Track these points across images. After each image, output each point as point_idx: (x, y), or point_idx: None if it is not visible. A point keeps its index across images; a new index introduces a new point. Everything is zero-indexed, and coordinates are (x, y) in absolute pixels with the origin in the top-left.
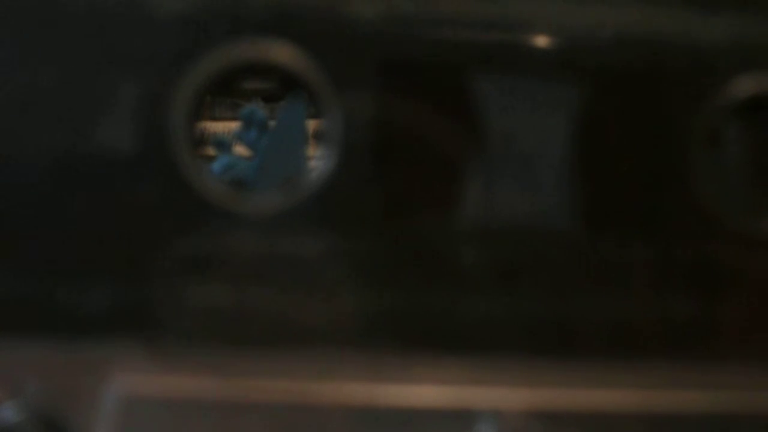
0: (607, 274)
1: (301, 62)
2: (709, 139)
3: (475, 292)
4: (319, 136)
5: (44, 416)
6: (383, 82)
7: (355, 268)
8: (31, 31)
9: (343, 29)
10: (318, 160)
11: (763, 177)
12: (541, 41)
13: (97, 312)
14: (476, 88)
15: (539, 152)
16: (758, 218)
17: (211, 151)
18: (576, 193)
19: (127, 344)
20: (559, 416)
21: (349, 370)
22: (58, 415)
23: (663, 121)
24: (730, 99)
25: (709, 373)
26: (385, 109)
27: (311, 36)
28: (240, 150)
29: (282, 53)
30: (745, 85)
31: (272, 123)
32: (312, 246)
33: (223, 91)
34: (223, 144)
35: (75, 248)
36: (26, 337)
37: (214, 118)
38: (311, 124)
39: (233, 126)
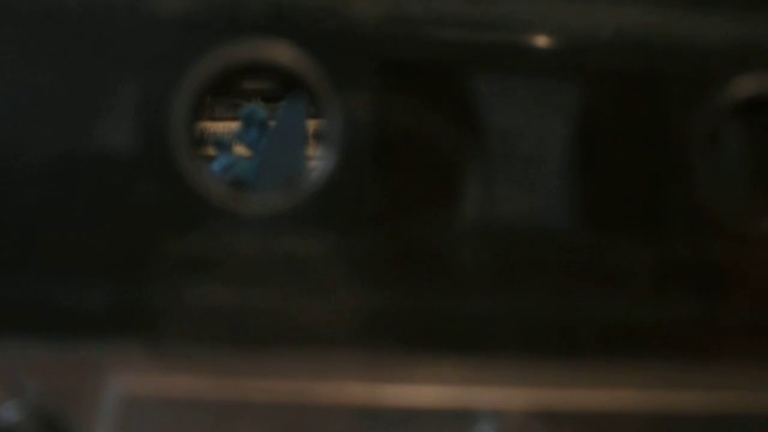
0: (607, 274)
1: (301, 62)
2: (709, 140)
3: (475, 292)
4: (319, 136)
5: (44, 416)
6: (383, 82)
7: (355, 268)
8: (31, 31)
9: (343, 29)
10: (318, 160)
11: (763, 177)
12: (541, 41)
13: (97, 312)
14: (476, 88)
15: (539, 152)
16: (758, 218)
17: (211, 151)
18: (576, 193)
19: (127, 344)
20: (559, 416)
21: (349, 370)
22: (58, 415)
23: (663, 121)
24: (730, 99)
25: (709, 373)
26: (385, 109)
27: (311, 36)
28: (240, 150)
29: (282, 53)
30: (745, 85)
31: (272, 123)
32: (312, 246)
33: (223, 91)
34: (223, 144)
35: (75, 248)
36: (26, 337)
37: (214, 118)
38: (311, 124)
39: (233, 126)
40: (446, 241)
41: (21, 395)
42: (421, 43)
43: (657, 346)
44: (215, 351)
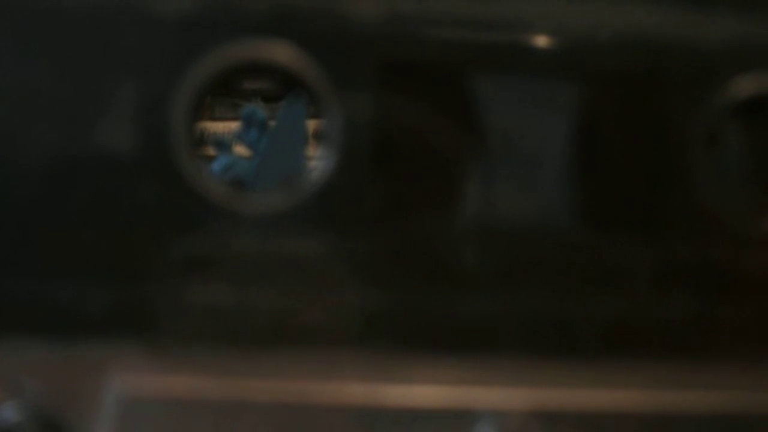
0: (607, 274)
1: (301, 62)
2: (709, 140)
3: (475, 292)
4: (319, 136)
5: (44, 416)
6: (383, 82)
7: (355, 268)
8: (30, 31)
9: (343, 29)
10: (318, 160)
11: (763, 177)
12: (541, 41)
13: (97, 312)
14: (476, 88)
15: (539, 152)
16: (758, 218)
17: (211, 151)
18: (576, 193)
19: (127, 344)
20: (559, 416)
21: (349, 370)
22: (58, 415)
23: (663, 121)
24: (730, 99)
25: (709, 373)
26: (385, 109)
27: (311, 36)
28: (240, 150)
29: (282, 53)
30: (745, 85)
31: (272, 123)
32: (312, 246)
33: (223, 91)
34: (223, 144)
35: (75, 248)
36: (26, 337)
37: (214, 118)
38: (311, 124)
39: (233, 126)
40: (446, 241)
41: (21, 395)
42: (421, 43)
43: (657, 346)
44: (215, 351)
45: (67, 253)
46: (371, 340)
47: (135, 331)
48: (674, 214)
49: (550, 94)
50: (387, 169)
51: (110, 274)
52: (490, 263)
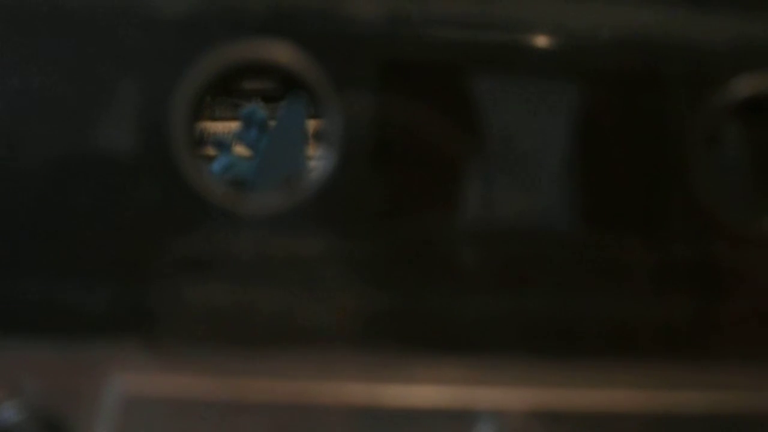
0: (607, 274)
1: (301, 62)
2: (709, 139)
3: (475, 292)
4: (319, 136)
5: (44, 416)
6: (383, 82)
7: (355, 268)
8: (31, 31)
9: (343, 29)
10: (318, 160)
11: (763, 177)
12: (541, 41)
13: (97, 312)
14: (476, 88)
15: (539, 152)
16: (758, 218)
17: (211, 151)
18: (576, 193)
19: (127, 344)
20: (559, 416)
21: (349, 370)
22: (58, 415)
23: (663, 120)
24: (730, 99)
25: (709, 373)
26: (385, 109)
27: (311, 36)
28: (240, 150)
29: (282, 53)
30: (745, 85)
31: (272, 123)
32: (312, 246)
33: (223, 91)
34: (223, 144)
35: (75, 248)
36: (26, 337)
37: (214, 118)
38: (311, 124)
39: (233, 126)
40: (446, 241)
41: (21, 395)
42: (421, 43)
43: (657, 346)
44: (215, 351)
45: (68, 252)
46: (371, 340)
47: (135, 331)
48: (674, 213)
49: (550, 94)
50: (387, 169)
51: (110, 274)
52: (490, 263)
